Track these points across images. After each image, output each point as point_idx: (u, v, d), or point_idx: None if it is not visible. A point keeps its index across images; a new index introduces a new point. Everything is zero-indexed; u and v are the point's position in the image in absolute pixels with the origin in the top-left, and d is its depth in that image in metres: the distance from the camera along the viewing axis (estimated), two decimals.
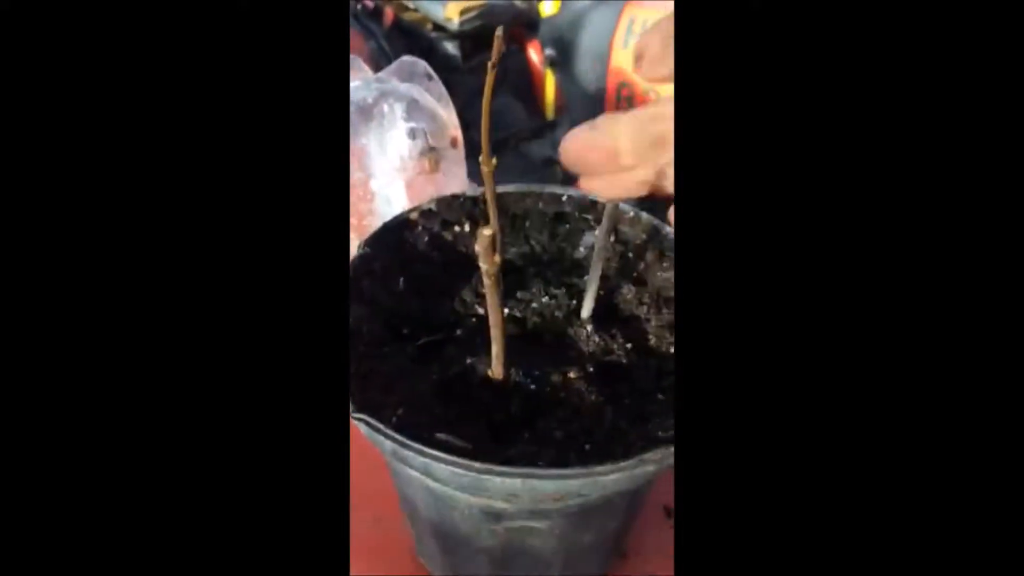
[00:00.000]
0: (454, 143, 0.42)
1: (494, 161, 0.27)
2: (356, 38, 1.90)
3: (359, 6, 2.12)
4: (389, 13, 2.06)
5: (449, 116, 0.42)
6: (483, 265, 0.20)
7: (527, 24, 2.21)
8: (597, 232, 0.28)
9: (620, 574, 0.41)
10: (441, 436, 0.25)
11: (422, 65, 0.42)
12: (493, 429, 0.27)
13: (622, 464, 0.23)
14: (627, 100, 1.65)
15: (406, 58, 0.43)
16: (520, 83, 2.34)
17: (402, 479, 0.30)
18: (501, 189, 0.38)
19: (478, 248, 0.19)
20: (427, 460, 0.23)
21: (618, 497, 0.27)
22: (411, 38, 2.08)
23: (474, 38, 2.09)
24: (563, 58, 1.78)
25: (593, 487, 0.23)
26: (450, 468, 0.23)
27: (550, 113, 2.25)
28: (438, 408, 0.27)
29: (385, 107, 0.38)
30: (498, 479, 0.23)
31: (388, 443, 0.24)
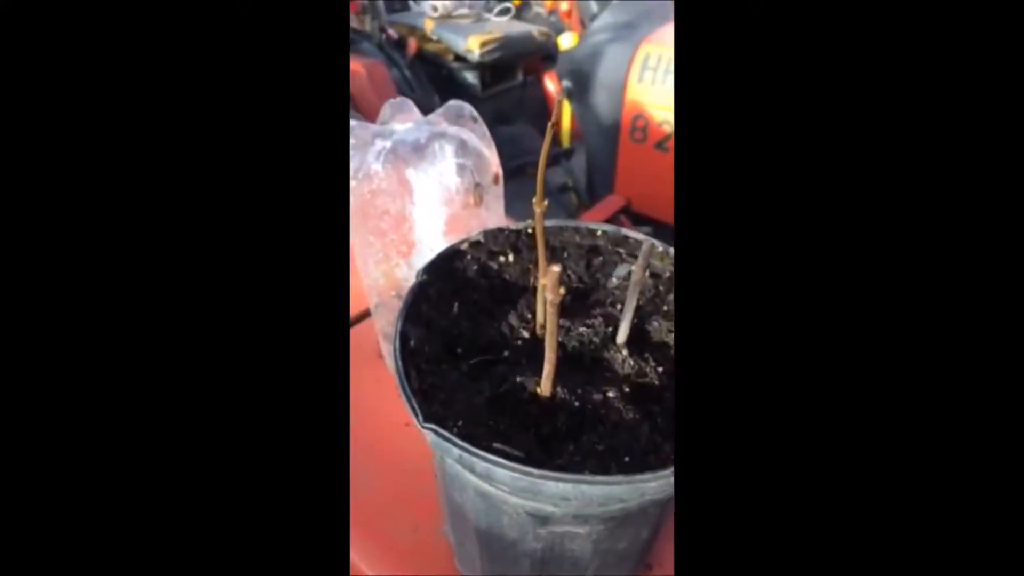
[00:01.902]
0: (496, 180, 0.46)
1: (546, 203, 0.31)
2: (379, 67, 1.97)
3: (383, 36, 2.21)
4: (412, 44, 2.14)
5: (492, 155, 0.46)
6: (549, 296, 0.24)
7: (545, 56, 2.29)
8: (634, 266, 0.31)
9: None
10: (498, 445, 0.28)
11: (468, 109, 0.47)
12: (541, 440, 0.30)
13: (660, 473, 0.26)
14: (642, 131, 1.70)
15: (453, 102, 0.48)
16: (537, 112, 2.41)
17: (455, 485, 0.33)
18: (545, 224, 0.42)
19: (545, 282, 0.23)
20: (489, 466, 0.27)
21: (653, 506, 0.30)
22: (433, 67, 2.16)
23: (493, 68, 2.16)
24: (579, 90, 1.84)
25: (633, 493, 0.26)
26: (510, 473, 0.26)
27: (566, 142, 2.31)
28: (492, 420, 0.30)
29: (436, 147, 0.43)
30: (553, 484, 0.26)
31: (455, 450, 0.27)
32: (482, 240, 0.40)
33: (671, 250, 0.40)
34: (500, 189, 0.48)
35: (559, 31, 2.20)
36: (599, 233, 0.41)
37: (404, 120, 0.45)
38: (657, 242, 0.40)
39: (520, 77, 2.32)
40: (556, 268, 0.22)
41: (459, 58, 2.11)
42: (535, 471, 0.26)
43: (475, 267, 0.39)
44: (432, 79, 2.16)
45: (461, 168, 0.42)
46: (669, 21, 1.69)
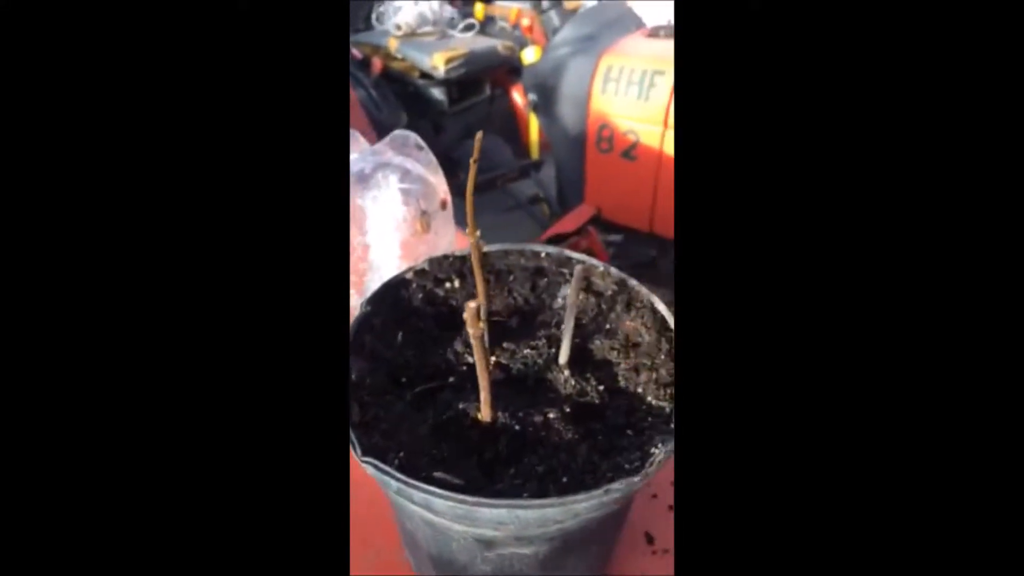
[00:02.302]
0: (443, 205, 0.47)
1: (478, 233, 0.32)
2: None
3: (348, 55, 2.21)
4: (377, 63, 2.15)
5: (438, 181, 0.47)
6: (470, 330, 0.24)
7: (511, 70, 2.31)
8: (566, 289, 0.32)
9: None
10: (438, 475, 0.29)
11: (413, 137, 0.47)
12: (483, 466, 0.31)
13: (592, 493, 0.27)
14: (608, 141, 1.73)
15: (398, 132, 0.49)
16: (506, 125, 2.43)
17: (404, 514, 0.34)
18: (487, 248, 0.43)
19: (465, 316, 0.23)
20: (427, 496, 0.27)
21: (594, 523, 0.31)
22: (399, 85, 2.17)
23: (459, 84, 2.18)
24: (545, 102, 1.87)
25: (567, 514, 0.27)
26: (447, 502, 0.27)
27: (535, 153, 2.33)
28: (434, 449, 0.31)
29: (380, 176, 0.43)
30: (487, 510, 0.26)
31: (393, 482, 0.27)
32: (427, 268, 0.40)
33: (612, 269, 0.41)
34: (450, 214, 0.49)
35: (524, 44, 2.23)
36: (543, 255, 0.42)
37: (352, 151, 0.46)
38: (597, 262, 0.41)
39: (487, 91, 2.34)
40: (472, 304, 0.23)
41: (425, 75, 2.12)
42: (469, 499, 0.26)
43: (420, 295, 0.40)
44: (399, 97, 2.17)
45: (406, 196, 0.43)
46: (628, 33, 1.72)
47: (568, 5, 1.98)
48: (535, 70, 1.88)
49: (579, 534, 0.32)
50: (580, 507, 0.27)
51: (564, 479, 0.29)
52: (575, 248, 1.72)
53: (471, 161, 0.28)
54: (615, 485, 0.27)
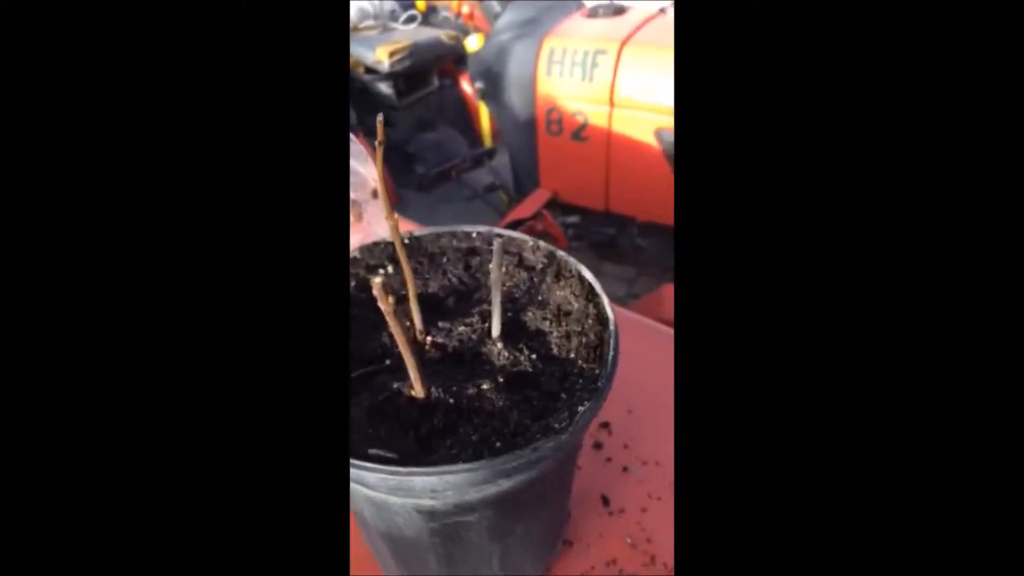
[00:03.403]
0: (375, 194, 0.47)
1: (396, 216, 0.32)
2: None
3: None
4: None
5: (368, 172, 0.47)
6: (381, 307, 0.25)
7: (458, 59, 2.31)
8: (491, 264, 0.33)
9: (566, 562, 0.46)
10: (373, 451, 0.30)
11: None
12: (420, 440, 0.31)
13: (519, 452, 0.28)
14: (557, 123, 1.74)
15: None
16: (458, 116, 2.43)
17: (352, 499, 0.34)
18: (418, 232, 0.44)
19: (375, 292, 0.24)
20: (360, 472, 0.28)
21: (532, 485, 0.32)
22: None
23: (406, 77, 2.17)
24: (492, 90, 1.87)
25: (498, 475, 0.28)
26: (378, 475, 0.28)
27: (488, 142, 2.33)
28: (371, 429, 0.32)
29: None
30: (418, 479, 0.27)
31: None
32: (359, 256, 0.41)
33: (541, 243, 0.42)
34: (380, 203, 0.50)
35: (467, 33, 2.22)
36: (474, 235, 0.43)
37: None
38: (525, 237, 0.42)
39: (436, 82, 2.33)
40: (377, 280, 0.24)
41: (370, 70, 2.10)
42: (400, 469, 0.27)
43: (353, 283, 0.40)
44: None
45: None
46: (569, 15, 1.73)
47: None
48: (479, 57, 1.88)
49: (520, 497, 0.33)
50: (509, 467, 0.28)
51: (497, 444, 0.30)
52: (531, 232, 1.74)
53: (376, 143, 0.28)
54: (541, 443, 0.28)
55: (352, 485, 0.31)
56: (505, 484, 0.30)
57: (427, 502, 0.30)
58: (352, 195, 0.45)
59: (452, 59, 2.28)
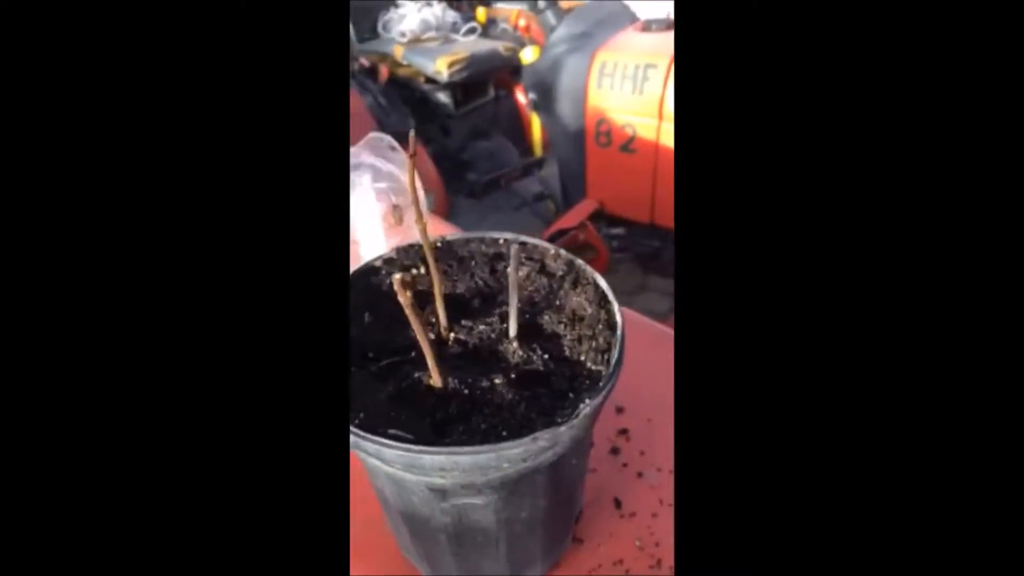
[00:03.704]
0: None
1: (425, 219, 0.36)
2: (353, 95, 2.04)
3: (356, 65, 2.28)
4: (384, 70, 2.21)
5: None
6: (400, 300, 0.28)
7: (514, 70, 2.36)
8: (509, 269, 0.36)
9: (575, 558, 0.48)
10: (392, 431, 0.33)
11: (387, 139, 0.52)
12: (435, 425, 0.35)
13: (520, 440, 0.30)
14: (606, 135, 1.76)
15: (374, 134, 0.53)
16: (512, 125, 2.48)
17: (374, 475, 0.38)
18: (450, 236, 0.47)
19: (395, 287, 0.28)
20: (379, 447, 0.31)
21: (533, 473, 0.35)
22: (406, 91, 2.23)
23: (464, 87, 2.23)
24: (544, 101, 1.90)
25: (500, 460, 0.31)
26: (395, 451, 0.31)
27: (538, 151, 2.37)
28: (392, 412, 0.35)
29: (355, 176, 0.48)
30: (429, 457, 0.30)
31: (352, 437, 0.32)
32: (395, 256, 0.45)
33: (562, 251, 0.45)
34: (422, 208, 0.53)
35: (524, 45, 2.27)
36: (501, 242, 0.46)
37: None
38: (547, 245, 0.45)
39: (492, 92, 2.39)
40: (397, 276, 0.27)
41: (430, 80, 2.17)
42: (413, 447, 0.30)
43: (388, 281, 0.44)
44: (406, 102, 2.23)
45: (379, 193, 0.47)
46: (621, 29, 1.75)
47: (564, 4, 2.01)
48: (533, 69, 1.92)
49: (523, 485, 0.35)
50: (511, 453, 0.31)
51: (504, 433, 0.33)
52: (573, 242, 1.76)
53: (409, 155, 0.32)
54: (541, 433, 0.31)
55: (374, 463, 0.34)
56: (509, 470, 0.33)
57: (437, 480, 0.33)
58: (393, 200, 0.49)
59: (509, 70, 2.33)
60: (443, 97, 2.23)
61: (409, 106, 2.20)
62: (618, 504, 0.52)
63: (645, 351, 0.68)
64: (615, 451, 0.57)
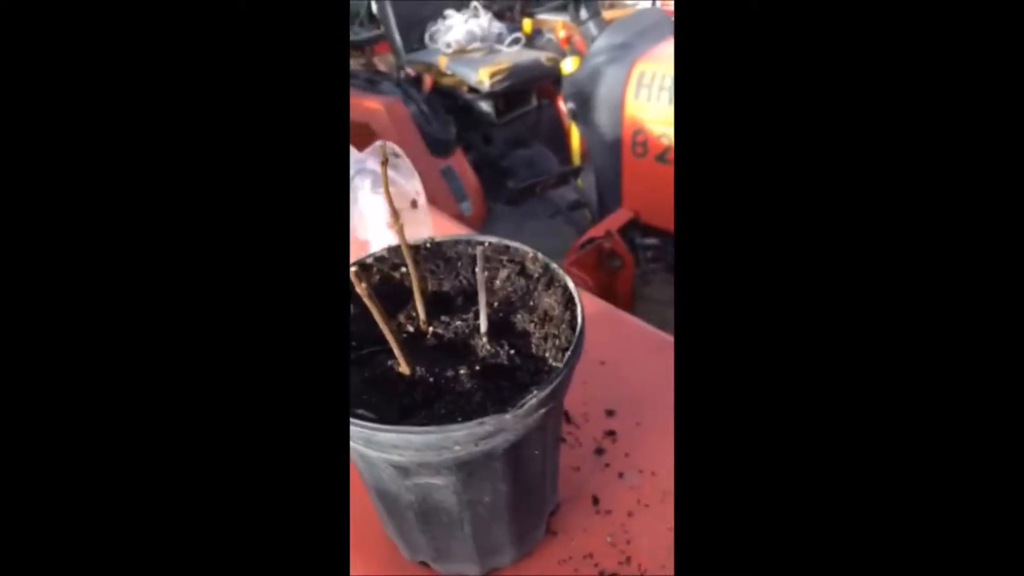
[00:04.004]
0: (413, 205, 0.55)
1: (401, 222, 0.39)
2: (398, 104, 2.12)
3: (402, 74, 2.36)
4: (428, 80, 2.29)
5: (410, 184, 0.55)
6: (357, 290, 0.32)
7: (556, 80, 2.39)
8: (476, 269, 0.39)
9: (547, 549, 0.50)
10: (359, 411, 0.36)
11: (392, 147, 0.56)
12: (402, 409, 0.38)
13: (466, 424, 0.33)
14: (642, 145, 1.76)
15: (378, 142, 0.57)
16: (553, 134, 2.51)
17: (353, 456, 0.42)
18: (440, 238, 0.50)
19: (352, 279, 0.31)
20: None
21: (488, 458, 0.37)
22: (449, 100, 2.30)
23: (505, 96, 2.28)
24: (583, 110, 1.92)
25: (448, 441, 0.34)
26: (357, 428, 0.34)
27: (577, 160, 2.39)
28: (364, 395, 0.38)
29: (358, 180, 0.52)
30: (381, 434, 0.34)
31: None
32: (386, 255, 0.48)
33: (539, 255, 0.47)
34: (424, 211, 0.57)
35: (565, 56, 2.29)
36: (486, 244, 0.49)
37: None
38: (527, 248, 0.47)
39: (534, 102, 2.43)
40: (353, 268, 0.31)
41: (473, 89, 2.23)
42: (369, 424, 0.34)
43: (378, 277, 0.48)
44: (449, 111, 2.29)
45: (378, 197, 0.51)
46: (662, 40, 1.75)
47: (607, 15, 2.03)
48: (572, 79, 1.95)
49: (482, 470, 0.38)
50: (457, 435, 0.34)
51: (459, 419, 0.36)
52: (599, 250, 1.76)
53: (381, 164, 0.35)
54: (487, 419, 0.34)
55: (351, 444, 0.38)
56: (460, 452, 0.35)
57: (396, 458, 0.36)
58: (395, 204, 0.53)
59: (551, 80, 2.36)
60: (485, 106, 2.28)
61: (452, 114, 2.26)
62: (596, 501, 0.54)
63: (643, 357, 0.69)
64: (600, 451, 0.58)
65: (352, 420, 0.34)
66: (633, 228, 1.87)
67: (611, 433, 0.60)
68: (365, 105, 2.12)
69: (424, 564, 0.48)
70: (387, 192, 0.37)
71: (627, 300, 1.75)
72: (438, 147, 2.13)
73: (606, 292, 1.75)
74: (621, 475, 0.56)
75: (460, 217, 2.08)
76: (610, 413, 0.62)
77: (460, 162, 2.17)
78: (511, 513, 0.43)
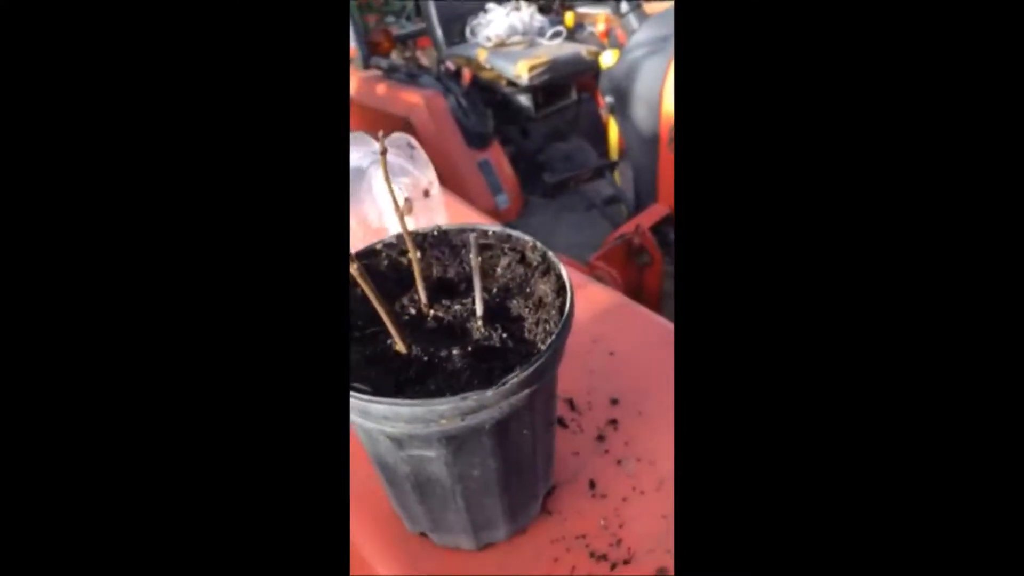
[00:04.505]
0: (426, 194, 0.57)
1: (407, 209, 0.42)
2: (437, 97, 2.16)
3: (442, 67, 2.40)
4: (467, 74, 2.32)
5: (424, 174, 0.57)
6: (352, 272, 0.34)
7: (597, 74, 2.38)
8: (470, 255, 0.41)
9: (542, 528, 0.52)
10: (356, 385, 0.39)
11: (406, 139, 0.58)
12: (398, 385, 0.41)
13: (449, 399, 0.36)
14: None
15: (395, 134, 0.60)
16: (592, 128, 2.50)
17: (355, 430, 0.45)
18: (447, 227, 0.53)
19: (351, 267, 0.34)
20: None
21: (477, 433, 0.39)
22: (488, 93, 2.32)
23: (544, 90, 2.29)
24: (621, 105, 1.91)
25: (433, 414, 0.36)
26: (355, 400, 0.37)
27: (614, 155, 2.37)
28: (364, 371, 0.41)
29: (372, 169, 0.55)
30: (375, 406, 0.36)
31: None
32: (394, 241, 0.51)
33: (538, 244, 0.49)
34: (438, 200, 0.60)
35: (605, 48, 2.28)
36: (490, 233, 0.51)
37: (356, 151, 0.58)
38: (523, 236, 0.49)
39: (574, 95, 2.43)
40: (352, 252, 0.33)
41: (511, 83, 2.25)
42: (362, 396, 0.36)
43: (386, 262, 0.50)
44: (488, 104, 2.32)
45: (398, 186, 0.54)
46: None
47: (648, 7, 2.00)
48: (611, 74, 1.94)
49: (471, 444, 0.41)
50: (442, 408, 0.36)
51: (447, 394, 0.38)
52: (628, 245, 1.76)
53: (380, 153, 0.38)
54: (469, 394, 0.36)
55: (352, 419, 0.40)
56: (448, 426, 0.38)
57: (388, 428, 0.39)
58: (406, 194, 0.56)
59: (592, 73, 2.35)
60: (524, 100, 2.30)
61: (491, 108, 2.28)
62: (592, 485, 0.55)
63: (652, 349, 0.70)
64: (601, 438, 0.60)
65: (351, 393, 0.37)
66: (668, 224, 1.85)
67: (613, 421, 0.61)
68: (404, 99, 2.17)
69: (423, 535, 0.51)
70: (387, 180, 0.39)
71: (655, 296, 1.74)
72: (476, 140, 2.16)
73: (634, 288, 1.74)
74: (619, 462, 0.57)
75: (494, 210, 2.11)
76: (614, 402, 0.63)
77: (497, 155, 2.20)
78: (501, 488, 0.46)
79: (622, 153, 2.28)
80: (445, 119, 2.13)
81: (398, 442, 0.41)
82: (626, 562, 0.49)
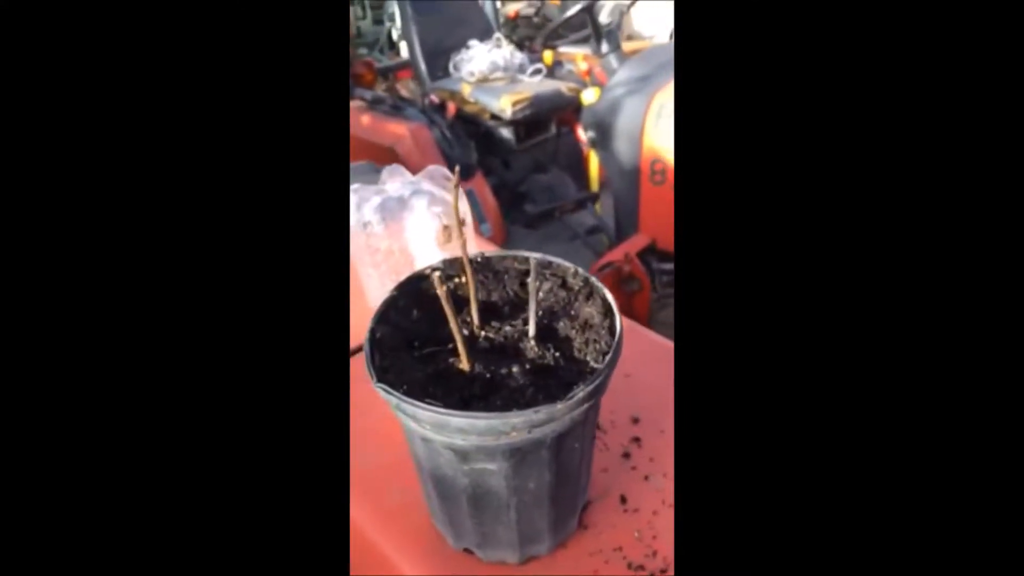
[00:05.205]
0: (462, 223, 0.61)
1: (464, 238, 0.45)
2: (423, 129, 2.21)
3: (427, 102, 2.46)
4: (451, 107, 2.38)
5: (461, 205, 0.61)
6: (438, 292, 0.37)
7: (576, 109, 2.48)
8: (529, 279, 0.45)
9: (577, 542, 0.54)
10: (428, 400, 0.42)
11: (442, 171, 0.62)
12: (462, 400, 0.43)
13: (523, 412, 0.38)
14: (660, 174, 1.82)
15: (432, 167, 0.63)
16: (571, 161, 2.58)
17: (411, 440, 0.47)
18: (490, 254, 0.56)
19: (434, 280, 0.36)
20: (416, 409, 0.40)
21: (538, 446, 0.42)
22: (471, 126, 2.39)
23: (526, 124, 2.37)
24: (602, 139, 2.00)
25: (506, 426, 0.39)
26: (428, 414, 0.39)
27: (595, 186, 2.46)
28: (430, 388, 0.44)
29: (414, 200, 0.58)
30: (452, 419, 0.39)
31: (395, 400, 0.41)
32: (441, 266, 0.54)
33: (579, 270, 0.53)
34: (469, 230, 0.63)
35: (586, 86, 2.38)
36: (530, 260, 0.55)
37: (395, 181, 0.61)
38: (568, 264, 0.53)
39: (553, 129, 2.51)
40: (436, 273, 0.36)
41: (495, 117, 2.32)
42: (440, 409, 0.39)
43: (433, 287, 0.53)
44: (471, 136, 2.38)
45: (433, 215, 0.57)
46: None
47: (627, 48, 2.11)
48: (593, 110, 2.02)
49: (531, 456, 0.43)
50: (515, 421, 0.39)
51: (514, 409, 0.41)
52: (618, 273, 1.81)
53: (455, 186, 0.41)
54: (540, 407, 0.39)
55: (412, 425, 0.43)
56: (516, 438, 0.40)
57: (459, 441, 0.41)
58: (444, 221, 0.59)
59: (571, 109, 2.45)
60: (506, 133, 2.37)
61: (474, 140, 2.34)
62: (623, 500, 0.58)
63: (665, 370, 0.74)
64: (627, 455, 0.63)
65: (425, 407, 0.40)
66: (650, 253, 1.92)
67: (636, 439, 0.65)
68: (390, 129, 2.21)
69: (468, 551, 0.53)
70: (456, 211, 0.42)
71: (643, 321, 1.79)
72: (460, 171, 2.21)
73: (624, 313, 1.79)
74: (647, 478, 0.60)
75: (481, 238, 2.15)
76: (635, 421, 0.67)
77: (481, 186, 2.25)
78: (551, 501, 0.48)
79: (603, 184, 2.37)
80: (431, 150, 2.18)
81: (463, 455, 0.43)
82: (663, 571, 0.52)
